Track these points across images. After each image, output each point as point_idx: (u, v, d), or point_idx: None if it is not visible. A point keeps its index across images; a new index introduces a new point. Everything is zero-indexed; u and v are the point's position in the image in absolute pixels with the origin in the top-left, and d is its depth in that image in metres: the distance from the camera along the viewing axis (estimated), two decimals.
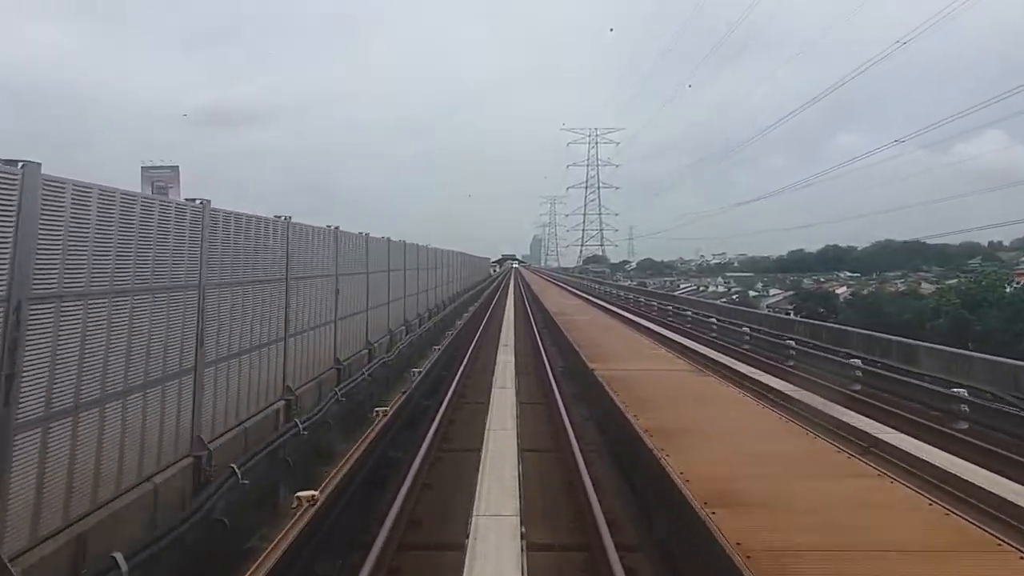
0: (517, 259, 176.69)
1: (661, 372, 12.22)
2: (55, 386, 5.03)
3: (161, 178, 51.13)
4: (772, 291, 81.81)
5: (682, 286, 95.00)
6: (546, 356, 17.41)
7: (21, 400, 4.68)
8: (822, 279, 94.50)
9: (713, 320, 25.58)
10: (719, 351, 16.98)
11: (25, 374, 4.73)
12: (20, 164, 4.76)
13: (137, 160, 55.37)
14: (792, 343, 18.09)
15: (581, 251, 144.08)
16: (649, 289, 61.80)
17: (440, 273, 33.22)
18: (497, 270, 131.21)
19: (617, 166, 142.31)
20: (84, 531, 5.07)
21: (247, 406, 8.74)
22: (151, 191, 52.17)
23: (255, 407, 9.02)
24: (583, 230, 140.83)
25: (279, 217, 10.74)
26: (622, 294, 48.99)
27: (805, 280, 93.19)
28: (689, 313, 30.27)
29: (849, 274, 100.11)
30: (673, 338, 19.15)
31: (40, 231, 4.93)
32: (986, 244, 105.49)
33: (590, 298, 42.07)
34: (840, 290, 73.44)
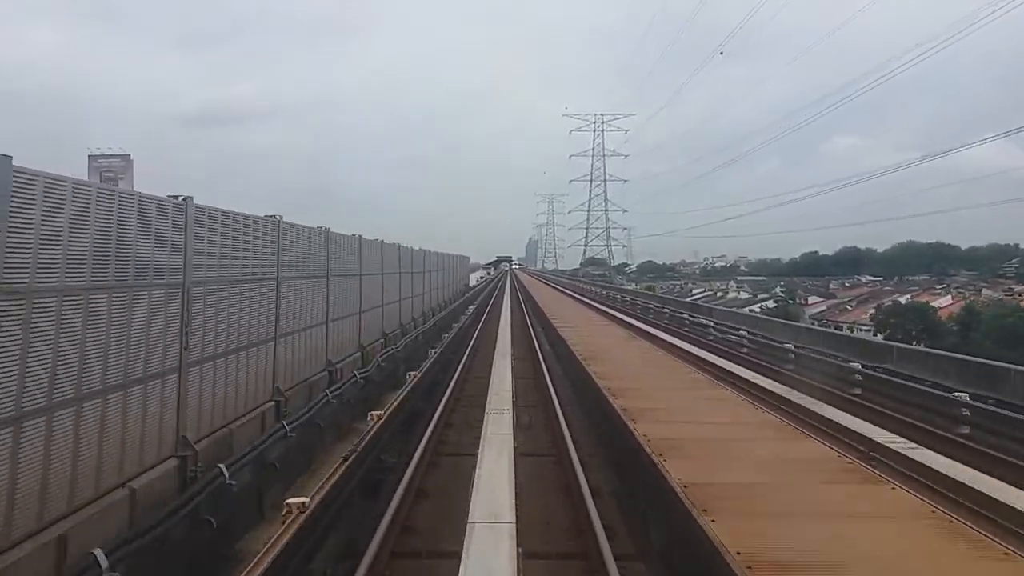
0: (515, 261, 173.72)
1: None
2: None
3: (111, 167, 48.11)
4: (811, 299, 76.96)
5: (694, 291, 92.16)
6: None
7: None
8: (847, 283, 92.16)
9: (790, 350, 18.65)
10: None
11: None
12: None
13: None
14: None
15: (584, 251, 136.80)
16: (663, 295, 58.56)
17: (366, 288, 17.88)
18: (492, 272, 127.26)
19: (625, 156, 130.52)
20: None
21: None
22: (99, 182, 49.28)
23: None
24: (587, 228, 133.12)
25: (176, 197, 7.93)
26: (642, 303, 40.66)
27: (832, 283, 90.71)
28: (744, 333, 22.56)
29: (871, 277, 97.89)
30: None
31: None
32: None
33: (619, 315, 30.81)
34: (940, 302, 60.30)
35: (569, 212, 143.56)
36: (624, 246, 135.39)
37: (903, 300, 58.04)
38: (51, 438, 5.58)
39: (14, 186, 5.20)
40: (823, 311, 65.66)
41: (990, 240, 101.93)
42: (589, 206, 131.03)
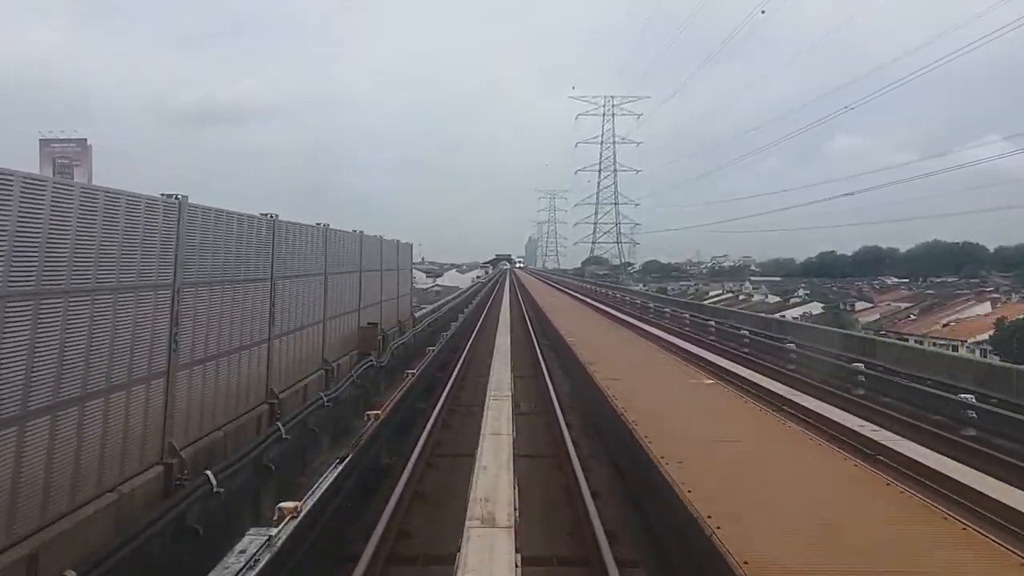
0: (516, 260, 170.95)
1: None
2: None
3: (65, 154, 44.90)
4: (859, 305, 70.99)
5: (710, 293, 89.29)
6: None
7: None
8: (875, 285, 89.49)
9: None
10: None
11: None
12: None
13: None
14: None
15: (592, 248, 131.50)
16: (691, 301, 54.80)
17: None
18: (490, 272, 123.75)
19: (638, 144, 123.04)
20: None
21: None
22: (52, 170, 46.14)
23: None
24: (595, 223, 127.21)
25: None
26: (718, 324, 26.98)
27: (859, 285, 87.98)
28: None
29: (896, 279, 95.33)
30: None
31: None
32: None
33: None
34: None
35: (575, 206, 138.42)
36: (637, 243, 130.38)
37: (979, 309, 53.87)
38: None
39: None
40: (877, 319, 59.23)
41: (1018, 241, 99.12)
42: (597, 199, 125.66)
